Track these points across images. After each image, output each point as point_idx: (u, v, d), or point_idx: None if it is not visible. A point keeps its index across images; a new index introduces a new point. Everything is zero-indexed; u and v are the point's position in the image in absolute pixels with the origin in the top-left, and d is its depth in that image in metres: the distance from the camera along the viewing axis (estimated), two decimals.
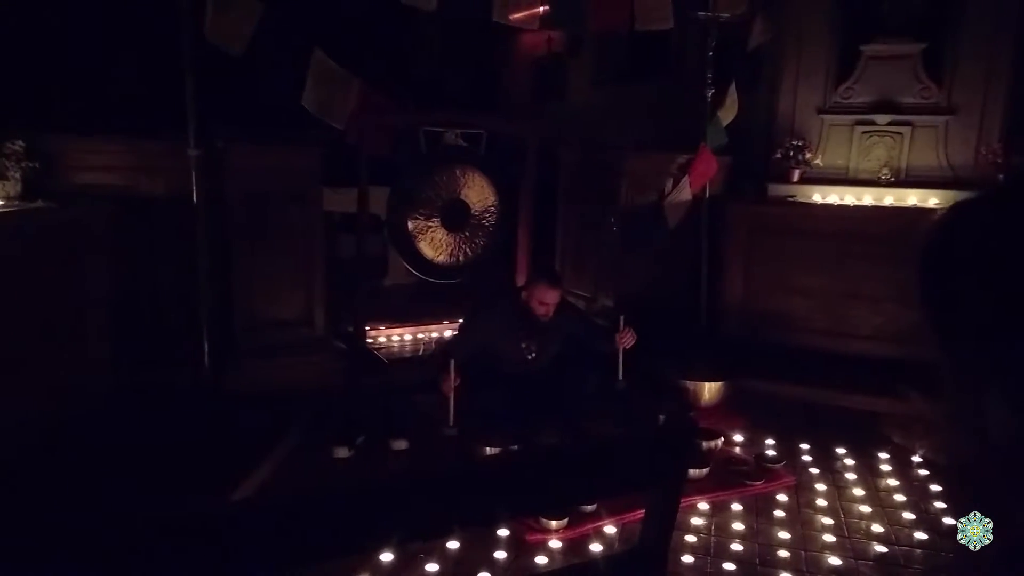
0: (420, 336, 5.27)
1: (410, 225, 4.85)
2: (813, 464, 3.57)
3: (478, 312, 4.06)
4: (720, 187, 5.07)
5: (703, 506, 3.14)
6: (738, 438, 3.86)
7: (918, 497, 3.28)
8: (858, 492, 3.30)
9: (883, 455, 3.65)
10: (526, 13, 4.34)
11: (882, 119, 4.95)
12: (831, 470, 3.52)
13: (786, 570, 2.72)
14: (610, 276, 5.01)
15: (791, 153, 5.00)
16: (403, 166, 4.88)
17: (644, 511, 1.74)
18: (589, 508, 2.97)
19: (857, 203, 4.89)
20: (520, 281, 4.80)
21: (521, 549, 2.79)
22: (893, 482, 3.41)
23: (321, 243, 4.24)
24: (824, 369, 4.40)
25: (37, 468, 2.92)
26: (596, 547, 2.83)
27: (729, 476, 3.38)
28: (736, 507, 3.15)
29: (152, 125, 3.91)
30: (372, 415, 3.77)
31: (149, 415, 3.53)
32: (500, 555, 2.73)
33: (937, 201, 4.72)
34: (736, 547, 2.85)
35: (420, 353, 4.99)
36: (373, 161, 4.45)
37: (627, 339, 3.82)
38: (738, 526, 3.01)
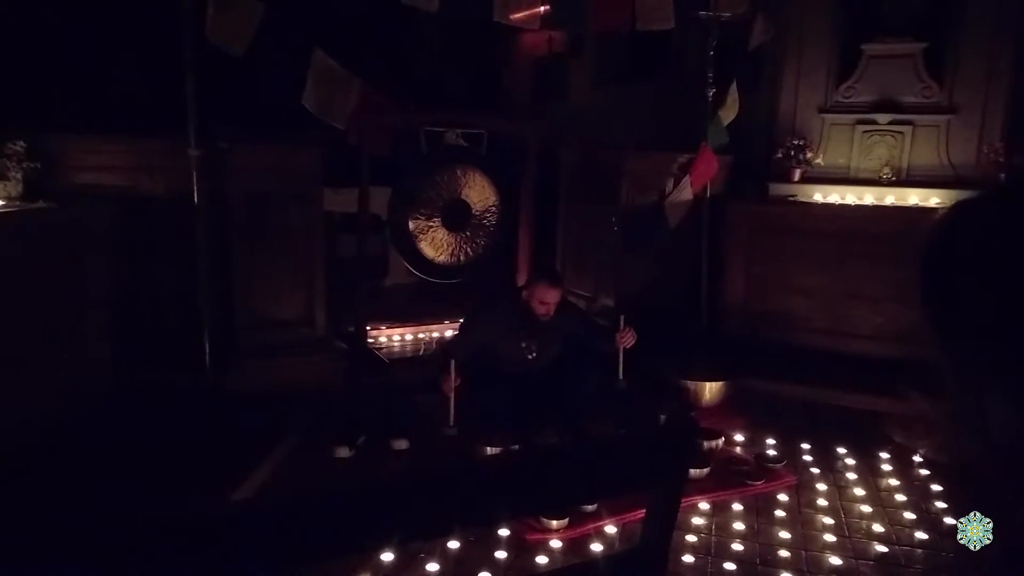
0: (421, 336, 5.27)
1: (411, 225, 4.85)
2: (814, 464, 3.57)
3: (479, 312, 4.06)
4: (721, 187, 5.07)
5: (704, 506, 3.14)
6: (739, 438, 3.85)
7: (919, 497, 3.27)
8: (859, 492, 3.29)
9: (884, 455, 3.65)
10: (527, 13, 4.33)
11: (883, 118, 4.95)
12: (832, 470, 3.52)
13: (787, 570, 2.72)
14: (611, 276, 5.01)
15: (792, 152, 5.00)
16: (404, 166, 4.89)
17: (644, 511, 1.74)
18: (590, 508, 2.96)
19: (858, 203, 4.89)
20: (521, 281, 4.80)
21: (521, 549, 2.79)
22: (894, 482, 3.40)
23: (322, 243, 4.24)
24: (825, 369, 4.40)
25: (37, 468, 2.92)
26: (597, 547, 2.82)
27: (730, 476, 3.38)
28: (737, 507, 3.15)
29: (152, 125, 3.91)
30: (373, 415, 3.77)
31: (149, 415, 3.53)
32: (500, 555, 2.73)
33: (938, 200, 4.72)
34: (737, 547, 2.85)
35: (421, 353, 4.99)
36: (374, 161, 4.46)
37: (627, 339, 3.82)
38: (739, 526, 3.00)
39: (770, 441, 3.80)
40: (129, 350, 3.79)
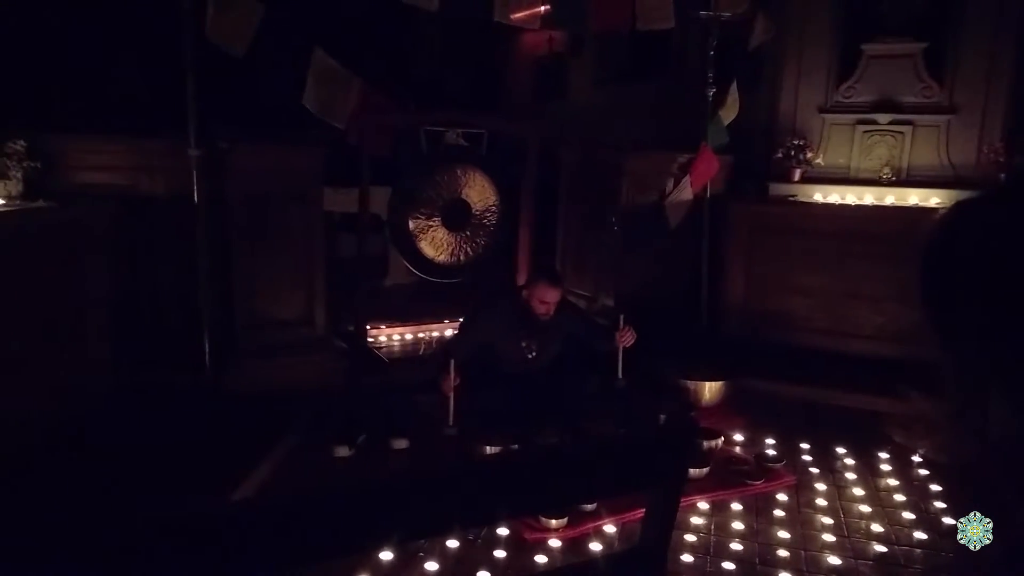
0: (421, 336, 5.27)
1: (411, 225, 4.85)
2: (813, 464, 3.57)
3: (479, 311, 4.06)
4: (721, 187, 5.07)
5: (703, 505, 3.14)
6: (738, 438, 3.85)
7: (918, 497, 3.27)
8: (858, 492, 3.29)
9: (883, 455, 3.65)
10: (527, 13, 4.33)
11: (883, 118, 4.95)
12: (831, 470, 3.52)
13: (786, 570, 2.72)
14: (611, 276, 5.01)
15: (792, 152, 5.00)
16: (404, 166, 4.88)
17: (644, 511, 1.74)
18: (589, 507, 2.96)
19: (858, 203, 4.89)
20: (521, 280, 4.79)
21: (521, 548, 2.79)
22: (893, 482, 3.40)
23: (322, 243, 4.24)
24: (825, 369, 4.40)
25: (37, 468, 2.92)
26: (596, 546, 2.82)
27: (729, 475, 3.38)
28: (736, 507, 3.15)
29: (152, 125, 3.91)
30: (372, 414, 3.77)
31: (149, 415, 3.53)
32: (500, 554, 2.73)
33: (938, 201, 4.72)
34: (736, 546, 2.85)
35: (420, 352, 4.99)
36: (374, 161, 4.46)
37: (627, 338, 3.82)
38: (738, 525, 3.00)
39: (770, 441, 3.80)
40: (129, 350, 3.79)
